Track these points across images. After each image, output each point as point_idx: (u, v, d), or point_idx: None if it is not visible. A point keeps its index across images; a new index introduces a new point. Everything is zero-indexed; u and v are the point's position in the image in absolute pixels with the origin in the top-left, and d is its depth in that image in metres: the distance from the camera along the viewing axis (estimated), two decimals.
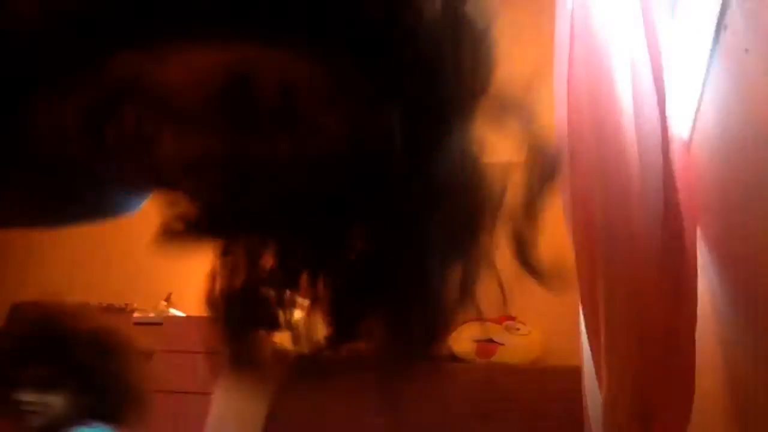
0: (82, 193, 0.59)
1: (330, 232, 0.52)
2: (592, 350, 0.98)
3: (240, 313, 0.55)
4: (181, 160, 0.45)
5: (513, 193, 0.52)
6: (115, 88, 0.46)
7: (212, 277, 0.55)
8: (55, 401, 1.39)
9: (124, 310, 2.91)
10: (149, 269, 2.79)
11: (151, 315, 2.85)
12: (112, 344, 1.48)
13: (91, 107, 0.46)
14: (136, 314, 2.86)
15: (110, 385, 1.45)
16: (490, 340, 2.42)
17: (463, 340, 2.38)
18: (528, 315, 2.47)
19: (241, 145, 0.46)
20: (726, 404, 0.84)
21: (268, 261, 0.55)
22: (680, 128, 0.94)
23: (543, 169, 0.52)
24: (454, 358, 2.37)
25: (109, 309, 2.93)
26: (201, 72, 0.46)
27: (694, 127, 0.97)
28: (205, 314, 0.63)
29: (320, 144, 0.47)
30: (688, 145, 0.98)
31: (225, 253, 0.55)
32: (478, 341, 2.41)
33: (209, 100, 0.45)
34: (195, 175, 0.47)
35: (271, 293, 0.55)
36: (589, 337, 0.99)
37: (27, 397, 1.37)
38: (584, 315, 0.98)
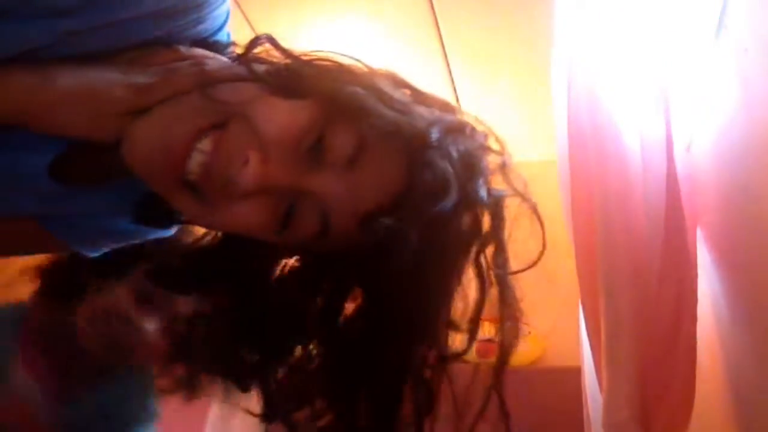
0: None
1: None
2: (592, 350, 0.98)
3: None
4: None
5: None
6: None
7: None
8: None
9: None
10: None
11: None
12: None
13: None
14: None
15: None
16: (490, 340, 2.41)
17: (463, 340, 2.37)
18: (528, 315, 2.46)
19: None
20: (726, 405, 0.84)
21: None
22: (680, 128, 0.94)
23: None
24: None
25: None
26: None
27: (693, 128, 0.97)
28: None
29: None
30: (688, 145, 0.98)
31: None
32: (478, 341, 2.40)
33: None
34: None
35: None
36: (589, 337, 0.99)
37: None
38: (584, 315, 0.98)
